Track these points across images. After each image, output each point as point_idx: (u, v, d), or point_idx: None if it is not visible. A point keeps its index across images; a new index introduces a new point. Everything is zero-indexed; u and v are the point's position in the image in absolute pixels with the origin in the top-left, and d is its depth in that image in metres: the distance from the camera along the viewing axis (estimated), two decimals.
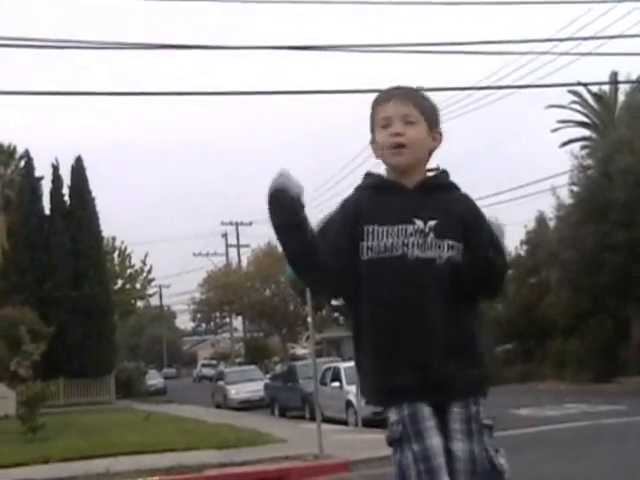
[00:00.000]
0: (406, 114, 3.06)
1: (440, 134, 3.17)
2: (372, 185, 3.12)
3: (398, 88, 3.17)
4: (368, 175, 3.19)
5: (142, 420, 23.69)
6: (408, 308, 2.95)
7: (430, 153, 3.15)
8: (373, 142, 3.16)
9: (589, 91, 41.82)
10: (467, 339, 3.05)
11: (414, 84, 3.26)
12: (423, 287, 2.96)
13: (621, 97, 41.25)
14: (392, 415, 3.00)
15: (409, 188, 3.06)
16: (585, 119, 43.00)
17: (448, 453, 2.95)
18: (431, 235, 2.99)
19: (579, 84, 35.86)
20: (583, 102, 42.71)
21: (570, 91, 40.64)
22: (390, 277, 2.96)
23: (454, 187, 3.16)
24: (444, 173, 3.16)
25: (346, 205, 3.10)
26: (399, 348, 2.95)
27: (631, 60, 39.56)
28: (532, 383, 33.23)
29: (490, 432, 3.05)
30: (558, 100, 41.42)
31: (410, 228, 2.99)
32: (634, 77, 37.26)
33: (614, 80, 38.89)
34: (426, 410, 2.95)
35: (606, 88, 41.93)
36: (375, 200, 3.05)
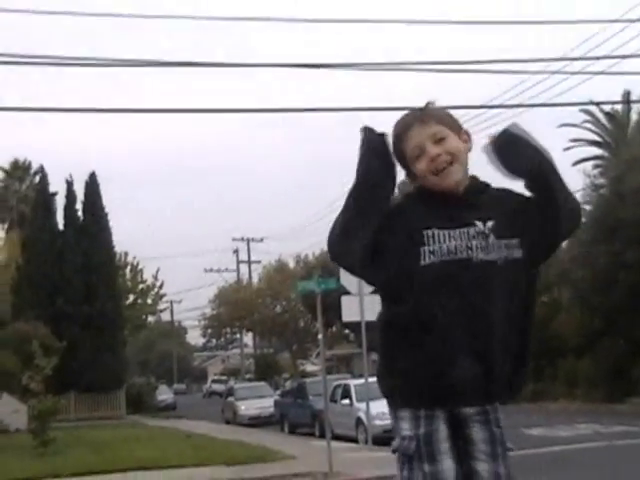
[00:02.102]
0: (433, 133, 2.97)
1: (467, 134, 3.10)
2: (420, 194, 3.04)
3: (409, 113, 3.08)
4: (416, 188, 3.12)
5: (185, 438, 23.56)
6: (473, 311, 2.88)
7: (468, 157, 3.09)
8: (411, 176, 3.05)
9: (601, 110, 41.86)
10: (523, 343, 3.02)
11: (419, 103, 3.13)
12: (487, 291, 2.90)
13: (634, 116, 41.28)
14: (405, 429, 2.94)
15: (460, 192, 2.98)
16: (597, 138, 43.02)
17: (474, 474, 2.93)
18: (492, 236, 2.93)
19: (591, 103, 35.87)
20: (595, 121, 42.76)
21: (582, 110, 40.65)
22: (455, 281, 2.88)
23: (489, 186, 3.10)
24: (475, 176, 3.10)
25: (393, 209, 3.01)
26: (462, 350, 2.86)
27: None
28: (543, 402, 33.02)
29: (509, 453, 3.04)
30: (571, 119, 41.52)
31: (472, 230, 2.92)
32: None
33: (627, 99, 38.85)
34: (442, 431, 2.90)
35: (619, 107, 41.93)
36: (429, 205, 2.97)
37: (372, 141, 2.94)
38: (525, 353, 3.03)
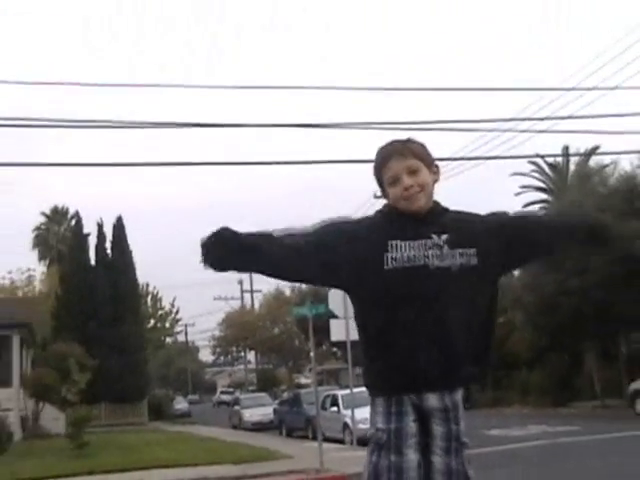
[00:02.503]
0: (408, 166, 3.02)
1: (437, 167, 3.14)
2: (389, 212, 3.08)
3: (392, 144, 3.11)
4: (386, 206, 3.16)
5: (198, 441, 23.33)
6: (431, 309, 2.90)
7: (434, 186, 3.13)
8: (385, 195, 3.12)
9: (545, 162, 42.15)
10: (482, 342, 3.03)
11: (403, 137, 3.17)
12: (443, 293, 2.92)
13: (572, 167, 41.54)
14: (379, 422, 2.96)
15: (422, 213, 3.03)
16: (542, 185, 43.25)
17: (429, 465, 2.92)
18: (445, 247, 2.96)
19: (537, 156, 36.18)
20: (541, 171, 43.01)
21: (530, 162, 40.97)
22: (414, 283, 2.90)
23: (448, 210, 3.13)
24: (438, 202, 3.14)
25: (365, 222, 3.09)
26: (420, 344, 2.89)
27: (579, 136, 39.94)
28: (500, 407, 33.02)
29: (465, 448, 3.00)
30: (521, 169, 41.74)
31: (429, 242, 2.96)
32: (582, 150, 37.66)
33: (566, 152, 39.21)
34: (411, 428, 2.91)
35: (560, 159, 42.24)
36: (395, 221, 3.02)
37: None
38: (485, 350, 3.04)
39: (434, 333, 2.89)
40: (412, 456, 2.90)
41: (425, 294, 2.91)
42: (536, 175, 43.28)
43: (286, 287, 63.49)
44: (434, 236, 2.97)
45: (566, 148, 38.19)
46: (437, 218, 3.05)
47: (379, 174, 3.10)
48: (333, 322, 18.15)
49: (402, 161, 3.02)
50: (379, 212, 3.12)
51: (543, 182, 43.25)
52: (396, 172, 3.02)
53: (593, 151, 36.63)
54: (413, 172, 3.01)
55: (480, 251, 2.99)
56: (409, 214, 3.03)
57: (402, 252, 2.93)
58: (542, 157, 39.18)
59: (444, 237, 2.98)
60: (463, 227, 3.04)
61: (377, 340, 2.97)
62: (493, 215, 3.20)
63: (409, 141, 3.13)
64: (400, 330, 2.90)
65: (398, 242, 2.94)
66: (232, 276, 71.61)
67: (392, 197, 3.05)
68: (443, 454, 2.94)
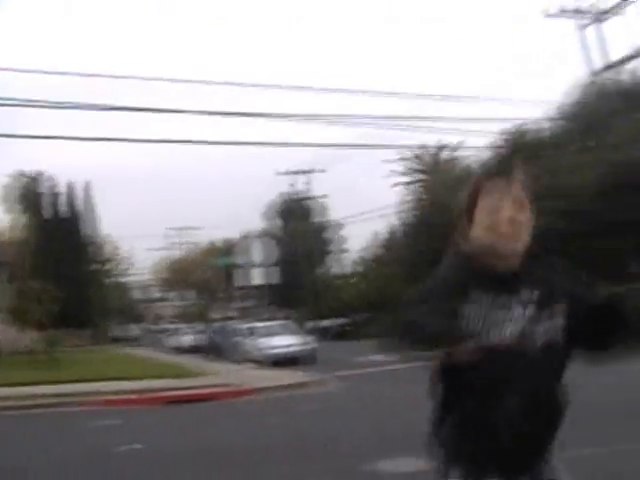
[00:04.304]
0: (518, 196, 1.93)
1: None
2: (462, 267, 1.92)
3: (506, 169, 1.97)
4: (460, 257, 1.95)
5: (145, 360, 23.16)
6: (511, 381, 1.87)
7: None
8: (467, 224, 1.97)
9: (410, 152, 42.74)
10: (560, 409, 1.98)
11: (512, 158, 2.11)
12: (521, 365, 1.89)
13: (428, 158, 42.61)
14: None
15: (509, 274, 1.91)
16: (406, 171, 44.14)
17: None
18: (529, 315, 1.91)
19: (403, 147, 36.99)
20: (406, 160, 43.71)
21: (399, 152, 41.81)
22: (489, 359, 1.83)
23: (540, 255, 1.99)
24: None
25: (452, 280, 1.90)
26: (501, 422, 1.89)
27: (439, 133, 40.92)
28: None
29: None
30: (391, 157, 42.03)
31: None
32: (435, 145, 38.68)
33: (440, 146, 40.15)
34: None
35: (421, 151, 42.88)
36: (475, 284, 1.88)
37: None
38: (559, 422, 2.00)
39: (515, 412, 1.88)
40: None
41: (502, 368, 1.88)
42: (404, 163, 44.09)
43: (218, 241, 62.86)
44: (516, 307, 1.92)
45: (425, 144, 39.23)
46: (526, 274, 1.94)
47: (474, 197, 1.96)
48: (236, 271, 18.49)
49: (515, 190, 1.94)
50: (461, 265, 1.94)
51: (408, 169, 44.12)
52: (504, 200, 1.92)
53: (443, 147, 39.39)
54: (521, 207, 1.93)
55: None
56: (490, 268, 1.90)
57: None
58: (408, 148, 40.25)
59: (531, 306, 1.92)
60: (552, 284, 1.96)
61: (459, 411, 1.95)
62: (586, 289, 1.98)
63: (523, 168, 1.99)
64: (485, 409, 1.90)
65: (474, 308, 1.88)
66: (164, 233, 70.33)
67: (484, 226, 1.92)
68: None
